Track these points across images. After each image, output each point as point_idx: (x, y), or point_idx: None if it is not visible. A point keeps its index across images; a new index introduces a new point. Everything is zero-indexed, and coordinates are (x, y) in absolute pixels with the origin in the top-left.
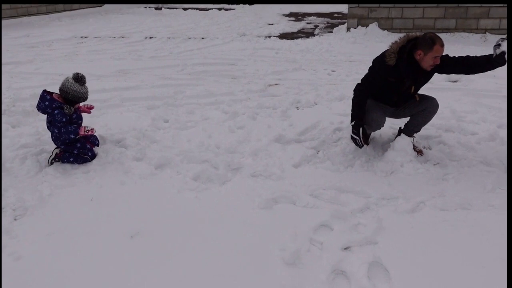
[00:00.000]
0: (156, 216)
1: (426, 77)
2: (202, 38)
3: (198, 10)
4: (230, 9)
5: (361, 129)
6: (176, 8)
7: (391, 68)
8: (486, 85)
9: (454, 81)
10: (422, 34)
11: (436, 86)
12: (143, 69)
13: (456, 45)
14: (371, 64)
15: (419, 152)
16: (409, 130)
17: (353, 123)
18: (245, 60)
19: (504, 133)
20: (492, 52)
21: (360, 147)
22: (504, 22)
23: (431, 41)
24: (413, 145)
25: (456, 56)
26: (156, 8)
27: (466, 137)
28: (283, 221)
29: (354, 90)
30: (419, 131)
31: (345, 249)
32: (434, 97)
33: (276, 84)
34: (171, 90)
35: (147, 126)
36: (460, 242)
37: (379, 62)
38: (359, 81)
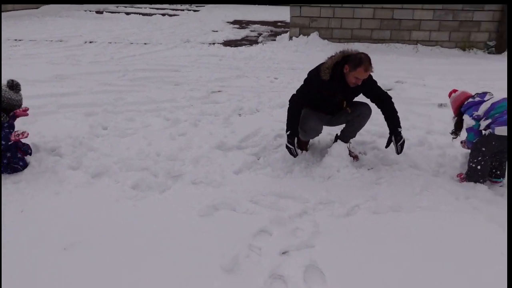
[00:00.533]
0: (92, 226)
1: (356, 92)
2: (145, 43)
3: (141, 15)
4: (174, 15)
5: (295, 138)
6: (118, 13)
7: (325, 82)
8: (417, 93)
9: (388, 90)
10: (356, 53)
11: None
12: (82, 75)
13: (391, 55)
14: (306, 76)
15: (355, 157)
16: (345, 136)
17: (288, 133)
18: (188, 66)
19: (432, 138)
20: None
21: (294, 156)
22: (434, 35)
23: (358, 62)
24: (349, 150)
25: (381, 92)
26: (97, 12)
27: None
28: (223, 227)
29: (290, 101)
30: (354, 136)
31: (283, 253)
32: (368, 104)
33: (219, 91)
34: (111, 96)
35: (85, 134)
36: (391, 244)
37: (314, 76)
38: (295, 92)
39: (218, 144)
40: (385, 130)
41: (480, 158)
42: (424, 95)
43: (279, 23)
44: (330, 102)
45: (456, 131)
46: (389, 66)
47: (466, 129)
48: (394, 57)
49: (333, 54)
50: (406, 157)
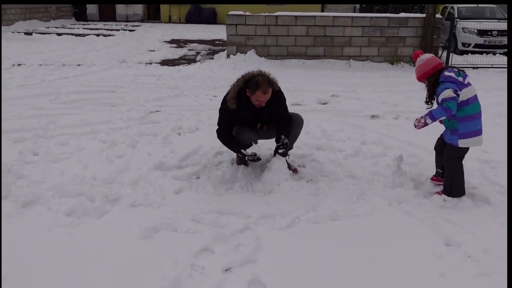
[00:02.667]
0: (22, 258)
1: (269, 113)
2: (78, 65)
3: (73, 36)
4: (109, 35)
5: (245, 150)
6: (49, 33)
7: (235, 111)
8: (352, 106)
9: (324, 103)
10: (255, 76)
11: (309, 108)
12: (10, 99)
13: (326, 70)
14: (220, 105)
15: (294, 170)
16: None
17: (237, 152)
18: (125, 87)
19: (366, 148)
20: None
21: (259, 159)
22: (364, 50)
23: (255, 86)
24: (288, 164)
25: (285, 114)
26: (25, 33)
27: (335, 154)
28: (163, 249)
29: (217, 136)
30: (292, 148)
31: (226, 270)
32: (304, 116)
33: (157, 111)
34: (43, 120)
35: (13, 161)
36: (331, 252)
37: (223, 108)
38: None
39: (157, 164)
40: (323, 142)
41: (459, 174)
42: (358, 107)
43: (217, 42)
44: (250, 125)
45: (431, 99)
46: (325, 80)
47: (444, 98)
48: (329, 72)
49: (235, 82)
50: (343, 168)
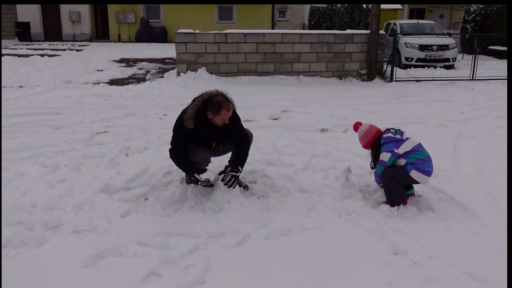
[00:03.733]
0: None
1: (225, 133)
2: (21, 86)
3: (16, 56)
4: (55, 55)
5: (198, 173)
6: None
7: (192, 131)
8: (302, 120)
9: (275, 119)
10: (212, 96)
11: (260, 124)
12: None
13: (277, 86)
14: (175, 124)
15: (245, 187)
16: (234, 164)
17: (191, 174)
18: (70, 108)
19: (316, 162)
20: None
21: (212, 185)
22: (313, 66)
23: (218, 106)
24: (239, 181)
25: (241, 133)
26: None
27: (286, 168)
28: (108, 276)
29: (170, 156)
30: (243, 164)
31: None
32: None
33: (104, 132)
34: None
35: None
36: (282, 267)
37: (179, 128)
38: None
39: (103, 187)
40: (274, 157)
41: (396, 186)
42: (308, 121)
43: (167, 60)
44: (205, 144)
45: (376, 163)
46: (276, 96)
47: (380, 159)
48: (279, 88)
49: (194, 101)
50: (293, 182)
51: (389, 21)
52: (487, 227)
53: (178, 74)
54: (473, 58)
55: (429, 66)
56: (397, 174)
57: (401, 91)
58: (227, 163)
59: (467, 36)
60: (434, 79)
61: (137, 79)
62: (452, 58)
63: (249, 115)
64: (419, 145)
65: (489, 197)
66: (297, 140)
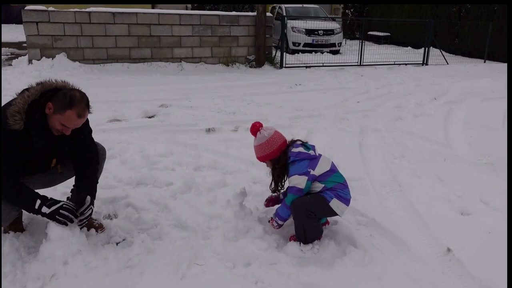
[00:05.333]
0: None
1: (70, 146)
2: None
3: None
4: None
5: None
6: None
7: (17, 134)
8: (183, 118)
9: (151, 117)
10: (67, 88)
11: (131, 125)
12: None
13: (155, 75)
14: None
15: (99, 227)
16: (81, 192)
17: (37, 209)
18: None
19: (200, 177)
20: None
21: (71, 220)
22: (196, 51)
23: (69, 102)
24: (84, 220)
25: (92, 147)
26: None
27: (160, 190)
28: None
29: None
30: (92, 194)
31: None
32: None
33: None
34: None
35: None
36: None
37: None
38: None
39: None
40: (145, 174)
41: (312, 220)
42: (191, 118)
43: (25, 44)
44: (35, 161)
45: (279, 185)
46: (153, 87)
47: (289, 186)
48: (158, 76)
49: (28, 87)
50: (169, 213)
51: (274, 4)
52: (422, 263)
53: (30, 61)
54: (360, 44)
55: (316, 51)
56: (315, 206)
57: (293, 78)
58: (72, 188)
59: (348, 22)
60: (324, 65)
61: None
62: (338, 43)
63: (119, 112)
64: (333, 164)
65: (414, 214)
66: (176, 146)
